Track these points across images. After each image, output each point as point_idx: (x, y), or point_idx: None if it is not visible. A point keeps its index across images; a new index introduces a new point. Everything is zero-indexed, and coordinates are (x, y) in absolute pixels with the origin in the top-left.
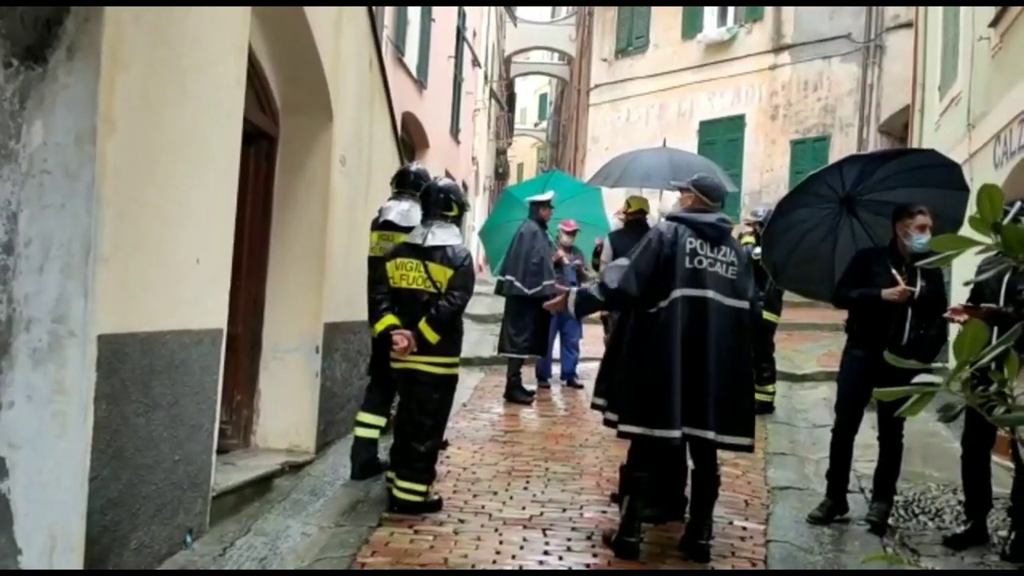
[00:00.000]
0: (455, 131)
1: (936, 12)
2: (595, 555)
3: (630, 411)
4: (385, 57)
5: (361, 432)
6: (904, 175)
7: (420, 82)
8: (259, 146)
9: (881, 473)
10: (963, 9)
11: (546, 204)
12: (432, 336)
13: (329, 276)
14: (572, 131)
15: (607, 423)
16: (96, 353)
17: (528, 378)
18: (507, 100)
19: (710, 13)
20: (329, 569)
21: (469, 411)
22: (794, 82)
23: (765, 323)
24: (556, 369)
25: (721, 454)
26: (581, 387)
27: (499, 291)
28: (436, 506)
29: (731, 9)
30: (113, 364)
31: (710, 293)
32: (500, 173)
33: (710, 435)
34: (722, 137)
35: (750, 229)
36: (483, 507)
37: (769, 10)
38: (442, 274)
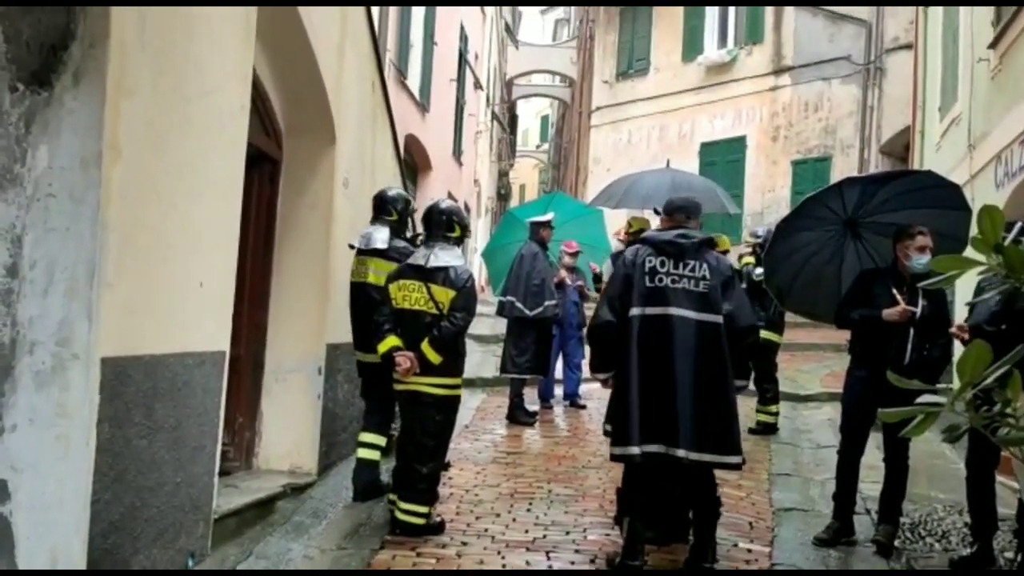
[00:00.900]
0: (457, 153)
1: (935, 34)
2: None
3: (611, 432)
4: (388, 80)
5: (362, 453)
6: (905, 196)
7: (423, 105)
8: (262, 169)
9: (887, 494)
10: (962, 30)
11: (547, 225)
12: (434, 357)
13: (332, 297)
14: (574, 153)
15: None
16: (99, 376)
17: (530, 399)
18: (509, 122)
19: (710, 35)
20: (335, 569)
21: (471, 432)
22: (795, 103)
23: (767, 343)
24: (559, 390)
25: (723, 475)
26: (584, 407)
27: (500, 312)
28: (438, 528)
29: (731, 31)
30: (116, 387)
31: (673, 310)
32: (502, 194)
33: (680, 453)
34: (723, 158)
35: (750, 249)
36: (486, 529)
37: (769, 32)
38: (444, 295)
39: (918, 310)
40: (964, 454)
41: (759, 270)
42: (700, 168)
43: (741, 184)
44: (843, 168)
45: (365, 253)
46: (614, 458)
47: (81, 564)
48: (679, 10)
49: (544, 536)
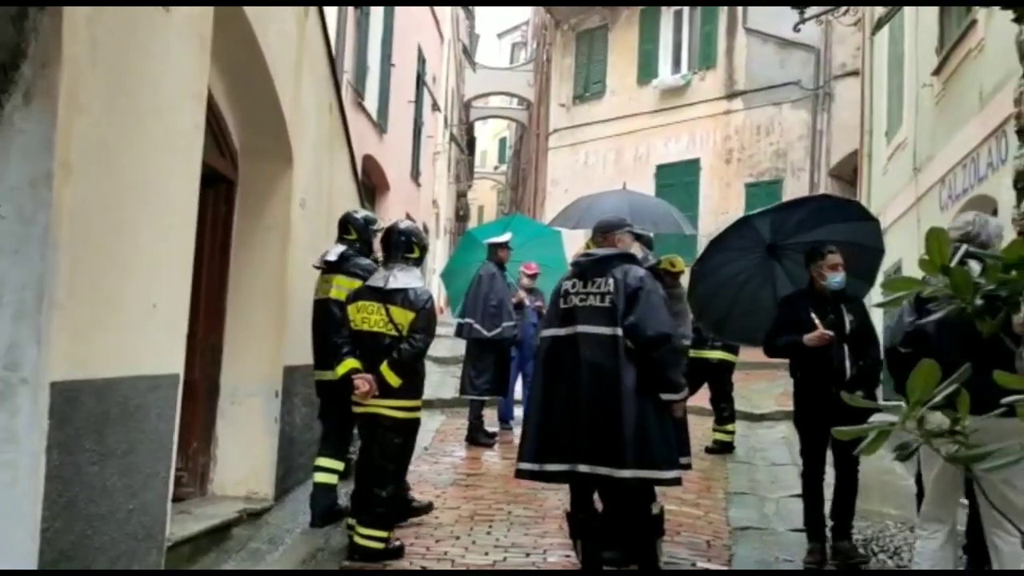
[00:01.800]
0: (415, 174)
1: (881, 60)
2: None
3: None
4: (345, 101)
5: (320, 477)
6: (818, 214)
7: (380, 126)
8: (218, 190)
9: (839, 510)
10: (907, 57)
11: (504, 246)
12: (394, 379)
13: (289, 320)
14: (532, 174)
15: None
16: (49, 400)
17: (490, 420)
18: (467, 144)
19: (664, 60)
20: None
21: (431, 455)
22: (747, 127)
23: (723, 363)
24: (518, 411)
25: (681, 494)
26: None
27: (459, 333)
28: (397, 553)
29: (685, 56)
30: (66, 412)
31: (580, 328)
32: (461, 216)
33: (582, 468)
34: (678, 180)
35: None
36: (445, 553)
37: (721, 57)
38: (404, 317)
39: (848, 325)
40: (914, 470)
41: None
42: (656, 190)
43: (695, 206)
44: (794, 190)
45: (329, 271)
46: (517, 473)
47: None
48: (634, 34)
49: (504, 559)
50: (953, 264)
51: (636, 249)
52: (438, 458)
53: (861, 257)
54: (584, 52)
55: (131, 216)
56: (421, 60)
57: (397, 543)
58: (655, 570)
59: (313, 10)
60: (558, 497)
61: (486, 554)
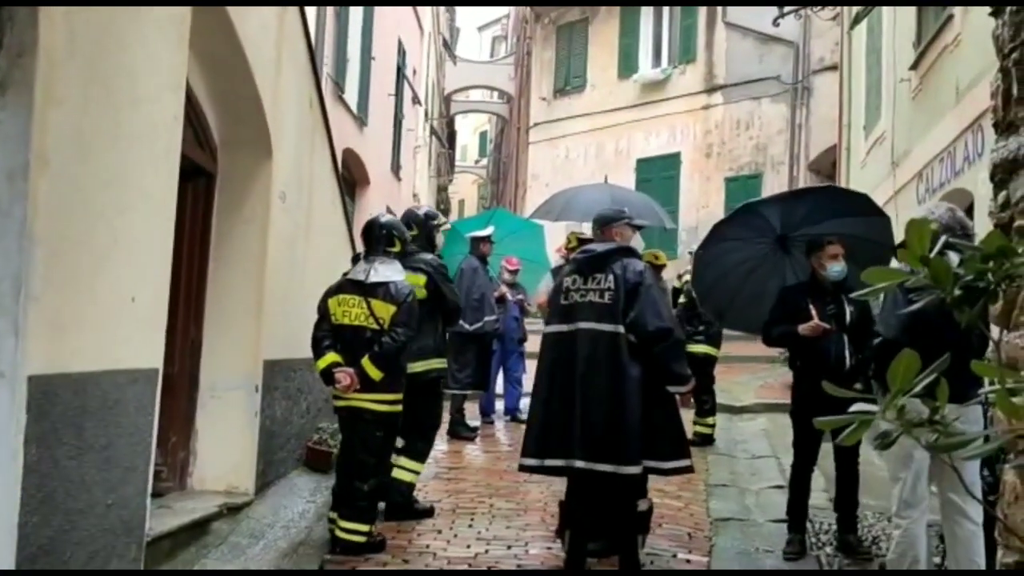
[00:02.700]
0: (396, 168)
1: (859, 55)
2: None
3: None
4: (325, 94)
5: (397, 474)
6: (826, 207)
7: (360, 119)
8: (197, 183)
9: (842, 503)
10: (885, 52)
11: (486, 240)
12: (375, 373)
13: (269, 313)
14: (512, 168)
15: None
16: (26, 394)
17: (471, 414)
18: (448, 137)
19: (645, 54)
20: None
21: None
22: (727, 121)
23: (705, 356)
24: (499, 404)
25: (663, 486)
26: (524, 422)
27: None
28: (379, 546)
29: (665, 50)
30: (44, 406)
31: (580, 324)
32: (441, 210)
33: (573, 463)
34: (659, 174)
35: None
36: (427, 546)
37: (701, 52)
38: (385, 310)
39: (847, 317)
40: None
41: None
42: (636, 184)
43: (676, 200)
44: (774, 184)
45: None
46: (520, 468)
47: None
48: (615, 28)
49: (486, 551)
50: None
51: (636, 241)
52: None
53: (871, 252)
54: (564, 46)
55: (109, 209)
56: (401, 53)
57: (379, 536)
58: (635, 564)
59: None
60: (539, 490)
61: (468, 547)
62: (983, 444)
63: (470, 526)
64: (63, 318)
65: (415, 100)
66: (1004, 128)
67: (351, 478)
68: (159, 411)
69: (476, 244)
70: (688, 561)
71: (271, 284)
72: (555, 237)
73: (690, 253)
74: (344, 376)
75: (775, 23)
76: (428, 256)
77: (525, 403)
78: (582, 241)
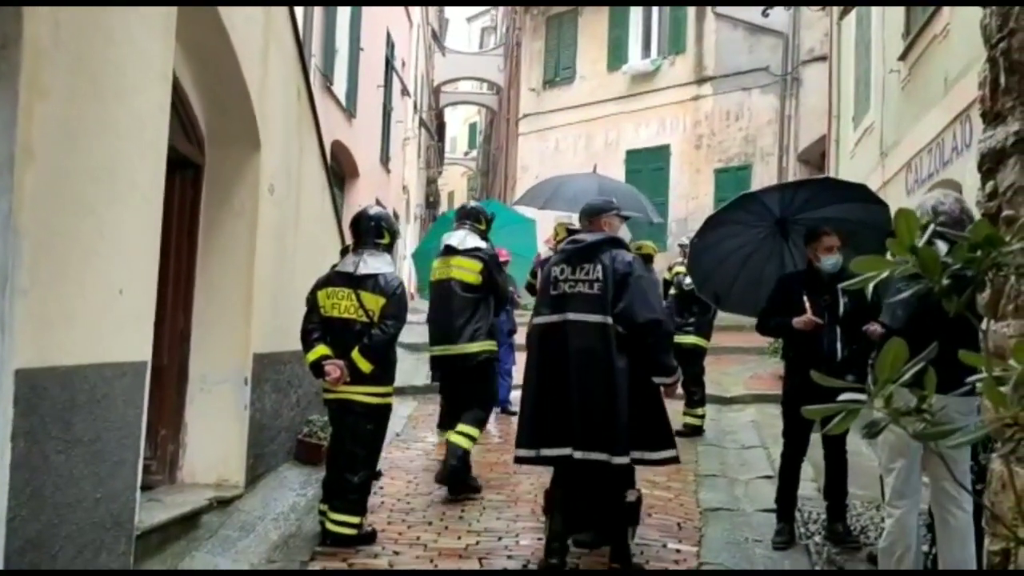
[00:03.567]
0: (385, 160)
1: (849, 46)
2: None
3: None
4: (314, 86)
5: (454, 438)
6: (826, 194)
7: (349, 111)
8: (184, 175)
9: (832, 491)
10: (874, 43)
11: None
12: (365, 366)
13: (258, 306)
14: (502, 160)
15: None
16: (13, 388)
17: None
18: (437, 129)
19: (634, 45)
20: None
21: (403, 441)
22: (716, 113)
23: (695, 348)
24: None
25: (653, 476)
26: (514, 414)
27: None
28: (370, 538)
29: (655, 41)
30: (31, 400)
31: (570, 315)
32: (431, 202)
33: (569, 452)
34: (648, 166)
35: (682, 259)
36: (418, 538)
37: (691, 43)
38: (374, 302)
39: (841, 308)
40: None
41: (689, 279)
42: (626, 175)
43: (666, 191)
44: (763, 176)
45: (446, 254)
46: (516, 459)
47: None
48: (604, 19)
49: (477, 543)
50: (921, 244)
51: (623, 232)
52: (410, 444)
53: (871, 238)
54: (554, 37)
55: (95, 201)
56: (390, 44)
57: (370, 528)
58: (626, 555)
59: None
60: (530, 482)
61: (459, 538)
62: (968, 432)
63: (460, 518)
64: (50, 311)
65: (404, 92)
66: (992, 118)
67: (341, 470)
68: (148, 404)
69: None
70: (678, 551)
71: (260, 277)
72: (544, 230)
73: (680, 245)
74: (334, 368)
75: (764, 14)
76: (485, 245)
77: (516, 395)
78: (571, 232)
